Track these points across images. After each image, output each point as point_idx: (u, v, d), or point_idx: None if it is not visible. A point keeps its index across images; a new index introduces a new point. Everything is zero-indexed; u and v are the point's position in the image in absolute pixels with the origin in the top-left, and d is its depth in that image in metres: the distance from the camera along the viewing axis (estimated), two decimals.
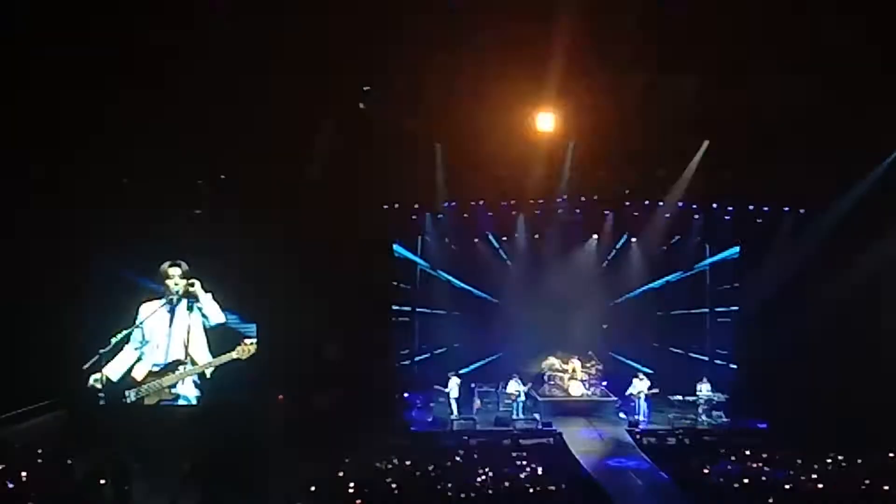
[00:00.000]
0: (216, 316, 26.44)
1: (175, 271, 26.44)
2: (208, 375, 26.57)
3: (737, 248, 30.20)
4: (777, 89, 23.23)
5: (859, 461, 24.42)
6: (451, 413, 28.09)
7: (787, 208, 28.03)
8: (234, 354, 26.39)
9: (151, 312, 26.47)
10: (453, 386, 28.44)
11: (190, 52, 21.44)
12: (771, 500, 22.50)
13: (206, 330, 26.54)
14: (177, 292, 26.45)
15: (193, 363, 26.55)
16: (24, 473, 20.51)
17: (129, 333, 26.34)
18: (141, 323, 26.39)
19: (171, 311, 26.53)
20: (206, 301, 26.41)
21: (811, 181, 26.67)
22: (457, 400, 28.37)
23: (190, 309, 26.51)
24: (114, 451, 23.35)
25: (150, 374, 26.56)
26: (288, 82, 22.38)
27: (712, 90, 23.55)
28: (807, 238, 27.43)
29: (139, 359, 26.50)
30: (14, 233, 24.06)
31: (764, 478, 23.70)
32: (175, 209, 26.13)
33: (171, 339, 26.61)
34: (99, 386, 26.25)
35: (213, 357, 26.53)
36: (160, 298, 26.51)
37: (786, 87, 23.11)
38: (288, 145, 24.01)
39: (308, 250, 25.24)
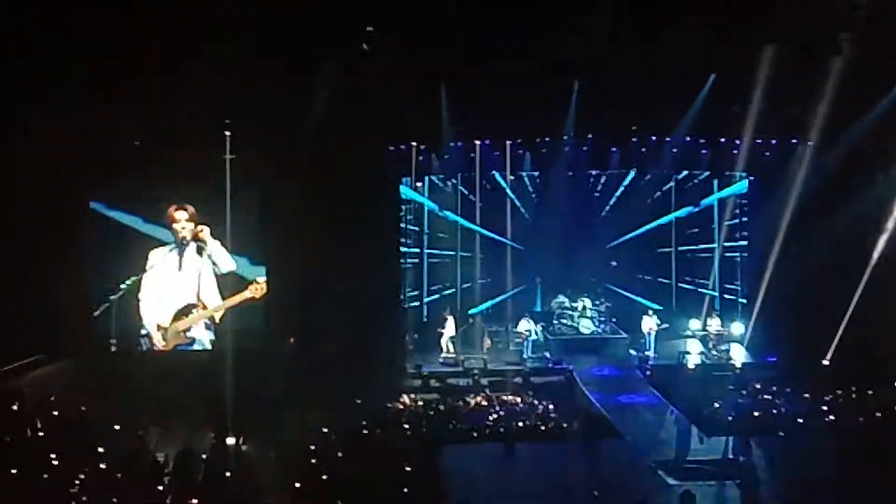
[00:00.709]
0: (227, 264, 26.40)
1: (182, 215, 26.35)
2: (218, 320, 26.60)
3: (745, 183, 30.03)
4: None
5: (870, 392, 24.52)
6: (444, 351, 28.18)
7: (795, 140, 27.78)
8: (247, 294, 26.38)
9: (161, 258, 26.44)
10: (449, 326, 28.54)
11: None
12: (781, 434, 22.68)
13: (216, 275, 26.52)
14: (184, 237, 26.38)
15: (205, 307, 26.57)
16: (38, 423, 20.68)
17: (139, 280, 26.33)
18: (150, 268, 26.37)
19: (181, 256, 26.49)
20: (216, 249, 26.36)
21: (819, 113, 26.52)
22: (451, 339, 28.49)
23: (199, 253, 26.47)
24: (126, 397, 23.57)
25: (164, 319, 26.59)
26: (290, 22, 22.20)
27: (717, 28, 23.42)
28: (816, 171, 27.23)
29: (151, 305, 26.52)
30: (13, 177, 24.04)
31: (774, 411, 23.83)
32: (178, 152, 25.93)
33: (181, 283, 26.62)
34: (111, 333, 26.32)
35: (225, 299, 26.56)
36: (168, 244, 26.46)
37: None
38: (291, 87, 23.80)
39: (314, 193, 25.12)
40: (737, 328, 29.09)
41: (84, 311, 26.20)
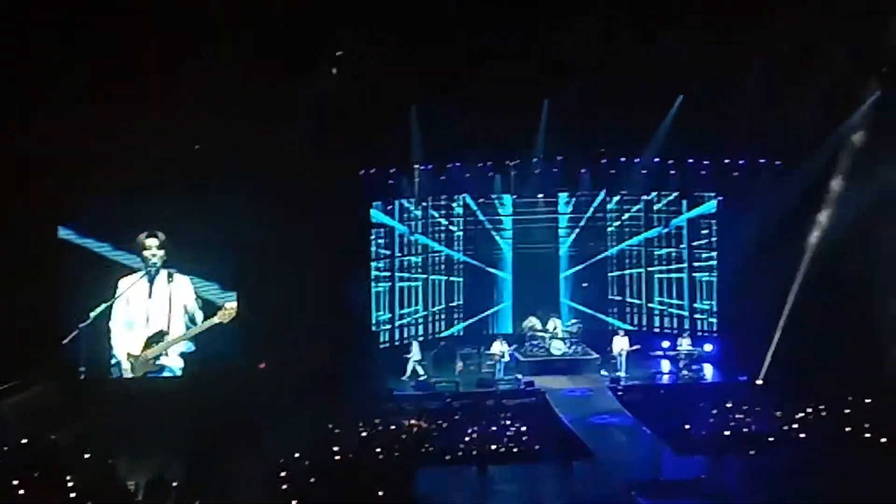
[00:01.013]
0: (188, 302, 26.42)
1: (152, 242, 26.23)
2: (191, 346, 26.46)
3: (714, 203, 30.21)
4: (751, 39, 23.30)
5: (841, 410, 24.63)
6: (418, 376, 28.20)
7: (763, 160, 28.01)
8: (215, 319, 26.25)
9: (130, 285, 26.29)
10: (415, 350, 28.60)
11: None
12: (753, 452, 22.73)
13: (185, 303, 26.43)
14: (154, 264, 26.26)
15: (175, 334, 26.42)
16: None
17: (109, 307, 26.16)
18: (120, 296, 26.21)
19: (151, 282, 26.35)
20: (184, 287, 26.38)
21: (788, 133, 26.78)
22: (419, 363, 28.60)
23: (170, 279, 26.36)
24: (95, 425, 23.40)
25: (134, 347, 26.42)
26: (262, 47, 22.23)
27: (687, 44, 23.60)
28: (784, 190, 27.47)
29: (121, 332, 26.36)
30: None
31: (746, 430, 23.88)
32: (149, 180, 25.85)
33: (151, 310, 26.46)
34: (81, 361, 26.12)
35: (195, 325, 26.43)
36: (138, 271, 26.34)
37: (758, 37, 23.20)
38: (262, 111, 23.78)
39: (285, 217, 25.04)
40: (706, 347, 29.24)
41: (54, 338, 26.02)
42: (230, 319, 26.11)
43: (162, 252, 26.21)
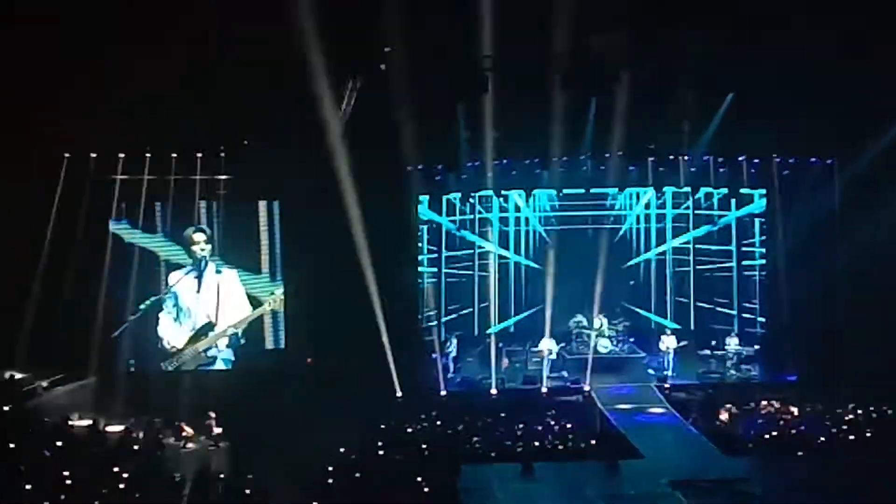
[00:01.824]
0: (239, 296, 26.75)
1: (200, 237, 26.58)
2: (241, 337, 26.74)
3: (763, 201, 29.99)
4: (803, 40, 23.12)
5: (890, 411, 24.43)
6: (450, 372, 28.20)
7: (813, 159, 27.79)
8: (265, 308, 26.61)
9: (179, 279, 26.60)
10: (452, 346, 28.58)
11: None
12: (801, 453, 22.56)
13: (234, 294, 26.75)
14: (202, 258, 26.58)
15: (224, 325, 26.72)
16: (58, 442, 20.80)
17: (160, 300, 26.50)
18: (170, 289, 26.53)
19: (200, 276, 26.67)
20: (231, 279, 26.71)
21: (836, 132, 26.56)
22: (454, 359, 28.64)
23: (218, 271, 26.69)
24: (144, 417, 23.72)
25: (185, 340, 26.74)
26: (308, 43, 22.31)
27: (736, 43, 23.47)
28: (833, 189, 27.28)
29: (171, 325, 26.68)
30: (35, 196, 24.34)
31: (794, 431, 23.71)
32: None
33: (200, 302, 26.79)
34: (130, 353, 26.47)
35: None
36: (186, 265, 26.67)
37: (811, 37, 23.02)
38: (310, 103, 23.87)
39: (333, 212, 25.19)
40: (755, 347, 29.09)
41: (104, 331, 26.37)
42: (279, 307, 26.39)
43: (209, 246, 26.53)
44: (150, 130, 25.00)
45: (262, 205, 26.97)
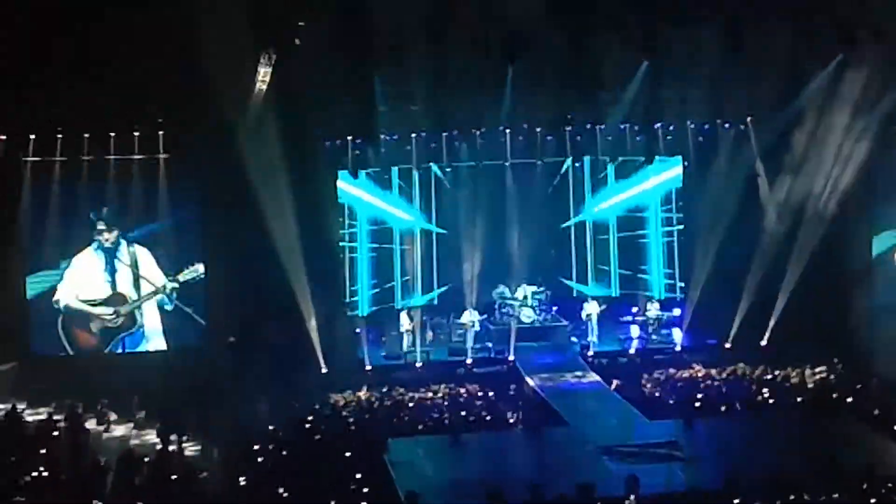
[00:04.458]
0: (156, 279, 26.47)
1: (107, 216, 26.25)
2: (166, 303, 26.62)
3: (679, 168, 30.26)
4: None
5: (807, 371, 24.93)
6: (405, 347, 28.07)
7: (728, 124, 28.13)
8: (181, 277, 26.35)
9: (87, 259, 26.35)
10: (405, 320, 28.44)
11: None
12: (722, 414, 22.97)
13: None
14: (110, 239, 26.26)
15: (139, 296, 26.61)
16: None
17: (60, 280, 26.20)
18: (66, 267, 26.28)
19: (109, 253, 26.35)
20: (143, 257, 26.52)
21: (750, 96, 26.94)
22: (410, 333, 28.39)
23: (130, 248, 26.40)
24: (68, 401, 23.42)
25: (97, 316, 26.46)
26: (219, 21, 22.06)
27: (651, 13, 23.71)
28: (749, 152, 27.67)
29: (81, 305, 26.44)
30: None
31: (715, 392, 24.09)
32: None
33: (114, 275, 26.49)
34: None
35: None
36: (92, 245, 26.37)
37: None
38: (225, 83, 23.58)
39: (251, 190, 24.93)
40: (675, 312, 29.46)
41: (20, 314, 25.99)
42: (199, 275, 26.13)
43: (115, 232, 26.21)
44: (62, 111, 24.54)
45: (177, 183, 26.55)
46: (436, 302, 31.21)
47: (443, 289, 31.31)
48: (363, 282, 29.41)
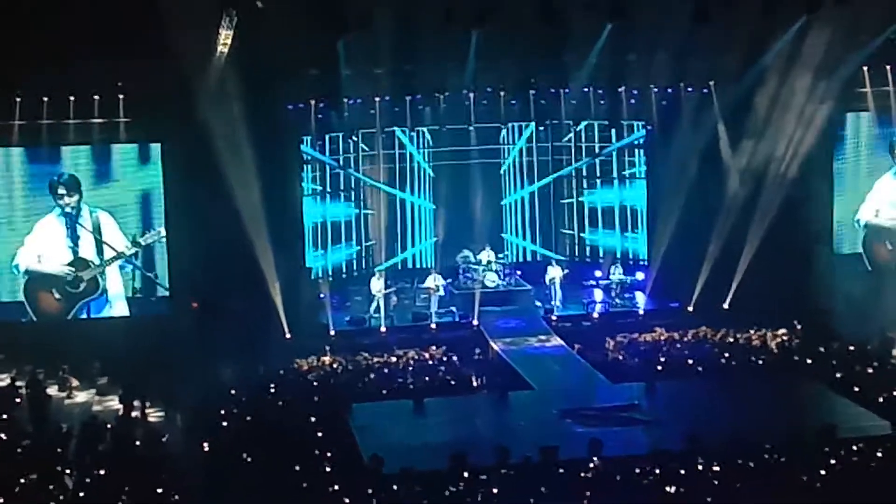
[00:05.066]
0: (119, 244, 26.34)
1: (69, 183, 26.01)
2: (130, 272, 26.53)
3: (642, 132, 30.35)
4: None
5: (770, 334, 25.15)
6: (372, 313, 28.00)
7: (690, 88, 28.18)
8: (142, 241, 26.21)
9: (47, 224, 26.11)
10: (377, 284, 28.27)
11: None
12: (684, 377, 23.18)
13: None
14: (70, 204, 26.04)
15: (102, 261, 26.39)
16: None
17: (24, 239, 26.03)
18: (30, 230, 26.07)
19: (71, 218, 26.12)
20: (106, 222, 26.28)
21: (714, 61, 26.99)
22: (381, 296, 28.17)
23: (92, 215, 26.17)
24: (28, 368, 23.29)
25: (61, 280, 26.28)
26: None
27: None
28: (712, 116, 27.75)
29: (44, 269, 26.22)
30: None
31: (677, 356, 24.28)
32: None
33: (77, 241, 26.27)
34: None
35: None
36: (55, 211, 26.14)
37: None
38: (186, 46, 23.31)
39: (212, 154, 24.71)
40: (638, 276, 29.61)
41: None
42: (159, 238, 25.99)
43: (77, 196, 25.99)
44: (21, 76, 24.25)
45: (139, 147, 26.33)
46: (399, 267, 31.25)
47: (406, 253, 31.38)
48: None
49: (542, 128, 31.12)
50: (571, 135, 31.75)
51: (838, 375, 22.21)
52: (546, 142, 32.17)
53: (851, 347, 23.83)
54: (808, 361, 23.45)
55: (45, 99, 25.18)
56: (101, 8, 22.92)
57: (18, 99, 25.13)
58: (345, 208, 31.17)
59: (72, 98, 25.34)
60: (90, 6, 22.95)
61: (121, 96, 25.52)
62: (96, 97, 25.50)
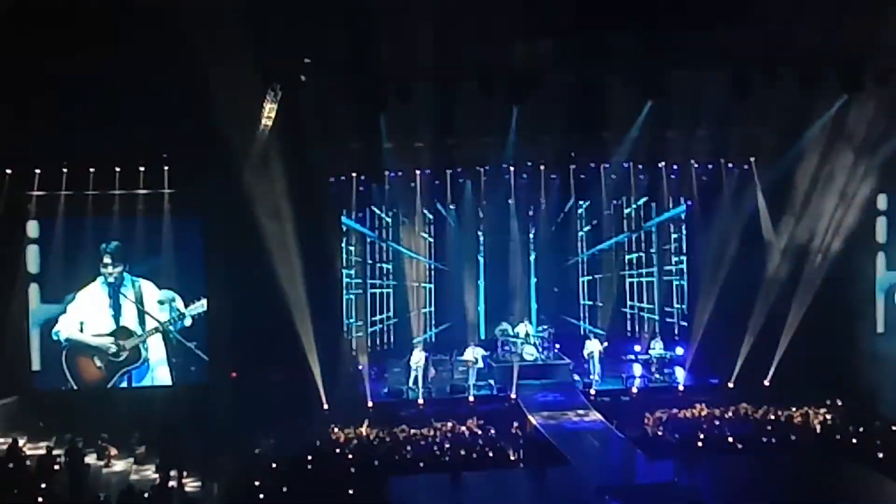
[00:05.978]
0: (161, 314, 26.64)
1: (113, 251, 26.31)
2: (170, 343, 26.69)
3: (683, 207, 30.37)
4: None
5: (812, 412, 24.86)
6: (411, 385, 27.94)
7: (731, 164, 28.24)
8: (188, 311, 26.40)
9: (91, 293, 26.37)
10: (418, 356, 28.22)
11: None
12: (725, 454, 22.88)
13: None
14: (114, 274, 26.33)
15: (143, 331, 26.63)
16: None
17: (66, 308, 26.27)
18: (74, 298, 26.32)
19: (114, 287, 26.38)
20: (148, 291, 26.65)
21: (755, 137, 27.06)
22: (420, 368, 28.02)
23: (134, 285, 26.44)
24: (68, 436, 23.39)
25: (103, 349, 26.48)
26: (225, 57, 22.16)
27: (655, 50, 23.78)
28: (752, 193, 27.75)
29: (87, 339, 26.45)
30: None
31: (717, 432, 24.02)
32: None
33: (119, 310, 26.50)
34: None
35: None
36: (98, 279, 26.43)
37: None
38: (230, 119, 23.64)
39: (254, 226, 24.96)
40: (678, 351, 29.44)
41: (23, 348, 26.06)
42: (200, 311, 26.13)
43: (119, 268, 26.27)
44: (67, 145, 24.65)
45: (182, 220, 26.64)
46: (433, 339, 31.27)
47: (445, 325, 31.36)
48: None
49: (581, 202, 31.21)
50: (611, 210, 31.79)
51: (881, 456, 21.87)
52: (586, 216, 32.26)
53: (894, 427, 23.48)
54: (852, 441, 23.10)
55: (91, 170, 25.60)
56: (146, 81, 23.26)
57: (65, 170, 25.56)
58: (384, 280, 31.29)
59: (117, 169, 25.74)
60: (135, 81, 23.31)
61: (166, 168, 25.89)
62: (141, 168, 25.90)
